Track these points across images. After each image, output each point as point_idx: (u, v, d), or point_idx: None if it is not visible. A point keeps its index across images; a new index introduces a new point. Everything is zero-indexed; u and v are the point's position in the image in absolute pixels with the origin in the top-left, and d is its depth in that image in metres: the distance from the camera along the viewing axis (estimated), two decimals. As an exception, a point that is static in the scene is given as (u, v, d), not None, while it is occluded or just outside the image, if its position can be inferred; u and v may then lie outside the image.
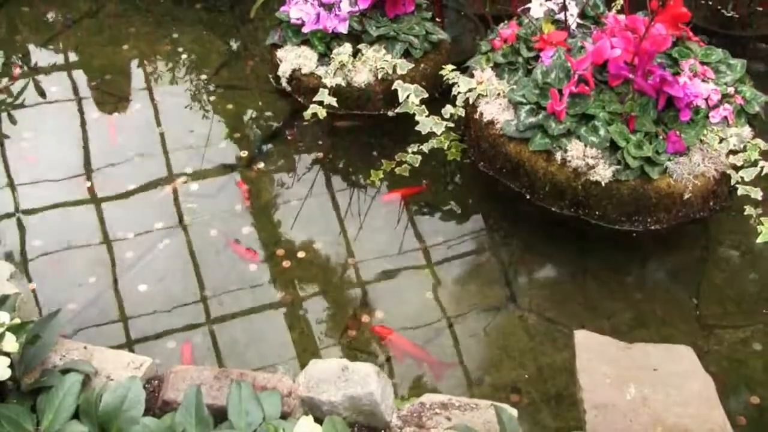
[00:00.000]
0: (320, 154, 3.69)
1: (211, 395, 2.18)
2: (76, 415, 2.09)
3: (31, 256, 3.29)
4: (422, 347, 2.94)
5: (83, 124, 3.93)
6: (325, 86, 3.64)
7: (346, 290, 3.15)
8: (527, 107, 3.23)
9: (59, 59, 4.33)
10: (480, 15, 4.26)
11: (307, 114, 3.59)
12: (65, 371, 2.18)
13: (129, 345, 2.95)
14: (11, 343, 2.06)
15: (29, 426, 2.04)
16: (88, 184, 3.59)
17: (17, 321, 2.11)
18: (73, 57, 4.34)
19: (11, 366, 2.09)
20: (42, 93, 4.11)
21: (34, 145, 3.81)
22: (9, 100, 4.07)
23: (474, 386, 2.81)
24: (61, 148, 3.78)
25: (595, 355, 2.54)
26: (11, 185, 3.61)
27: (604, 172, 3.10)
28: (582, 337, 2.63)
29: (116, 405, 2.08)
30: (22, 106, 4.05)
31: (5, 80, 4.18)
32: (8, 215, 3.48)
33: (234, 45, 4.37)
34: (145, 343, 2.97)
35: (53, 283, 3.17)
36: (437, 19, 3.97)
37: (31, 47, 4.42)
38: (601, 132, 3.12)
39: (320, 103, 3.61)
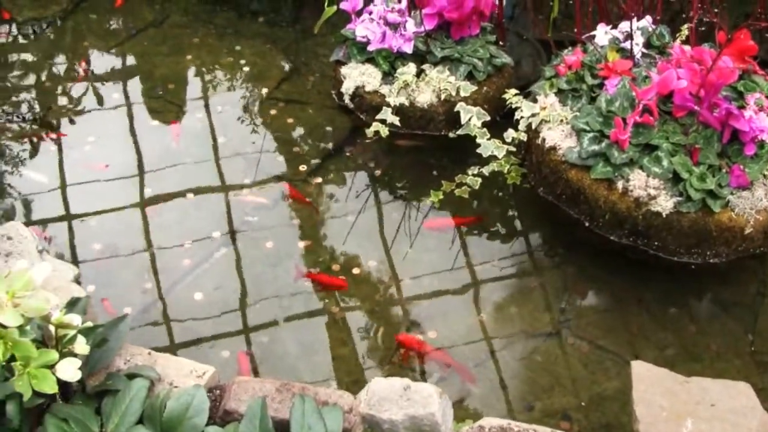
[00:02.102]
0: (378, 172, 3.70)
1: (273, 407, 2.20)
2: (140, 421, 2.11)
3: (90, 259, 3.33)
4: (468, 368, 2.94)
5: (144, 131, 3.98)
6: (388, 105, 3.67)
7: (398, 308, 3.15)
8: (590, 135, 3.23)
9: (123, 67, 4.40)
10: (541, 40, 4.28)
11: (370, 132, 3.62)
12: (130, 376, 2.21)
13: (183, 352, 2.98)
14: (82, 346, 2.09)
15: (94, 428, 2.07)
16: (148, 190, 3.64)
17: (89, 324, 2.14)
18: (136, 65, 4.40)
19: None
20: (105, 99, 4.17)
21: (96, 150, 3.86)
22: (70, 105, 4.14)
23: (524, 412, 2.80)
24: (122, 154, 3.83)
25: (652, 386, 2.53)
26: (73, 188, 3.67)
27: (665, 203, 3.09)
28: (639, 368, 2.61)
29: (180, 412, 2.10)
30: (85, 111, 4.11)
31: (69, 85, 4.26)
32: (69, 217, 3.53)
33: (295, 60, 4.40)
34: (199, 351, 2.98)
35: (111, 287, 3.20)
36: (500, 43, 3.98)
37: (97, 54, 4.49)
38: (664, 163, 3.11)
39: (383, 121, 3.63)
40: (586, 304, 3.19)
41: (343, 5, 3.87)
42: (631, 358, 2.89)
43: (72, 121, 4.04)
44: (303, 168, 3.71)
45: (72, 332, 2.07)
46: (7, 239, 2.95)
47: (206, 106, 4.12)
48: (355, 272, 3.26)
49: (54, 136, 3.94)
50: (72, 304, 2.24)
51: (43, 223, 3.49)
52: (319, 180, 3.66)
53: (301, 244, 3.37)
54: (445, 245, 3.38)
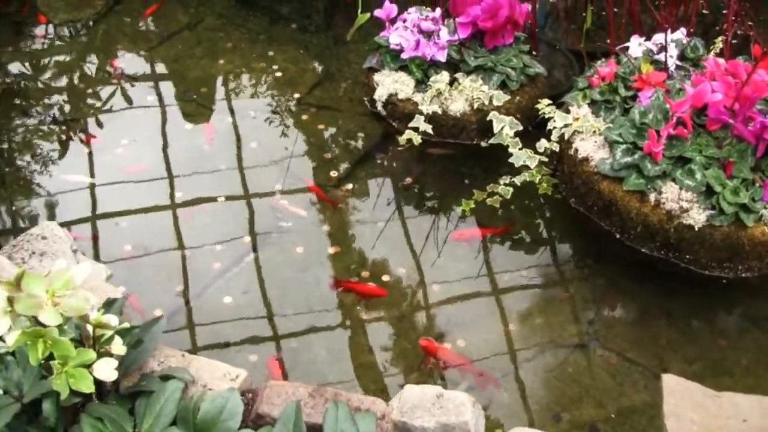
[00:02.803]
0: (409, 180, 3.71)
1: (306, 412, 2.21)
2: (173, 422, 2.13)
3: (122, 260, 3.35)
4: (493, 376, 2.94)
5: (177, 134, 4.01)
6: (421, 113, 3.67)
7: (426, 316, 3.15)
8: (623, 146, 3.22)
9: (157, 69, 4.43)
10: (574, 50, 4.27)
11: (403, 139, 3.63)
12: (164, 377, 2.22)
13: (211, 355, 2.99)
14: (119, 346, 2.10)
15: (128, 428, 2.09)
16: (179, 193, 3.66)
17: (126, 325, 2.15)
18: (170, 68, 4.43)
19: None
20: (138, 101, 4.21)
21: (129, 152, 3.89)
22: (103, 107, 4.18)
23: (552, 423, 2.79)
24: (154, 157, 3.86)
25: (683, 400, 2.52)
26: (105, 189, 3.70)
27: (698, 216, 3.08)
28: (670, 381, 2.61)
29: (214, 415, 2.11)
30: (117, 113, 4.15)
31: (102, 87, 4.29)
32: (100, 217, 3.56)
33: (327, 66, 4.42)
34: (227, 354, 2.99)
35: (141, 288, 3.22)
36: (533, 53, 3.98)
37: (130, 57, 4.53)
38: (698, 176, 3.09)
39: (416, 129, 3.64)
40: (615, 316, 3.17)
41: (377, 13, 3.88)
42: (660, 371, 2.88)
43: (102, 124, 4.08)
44: (334, 174, 3.72)
45: (109, 333, 2.09)
46: (42, 239, 2.98)
47: (238, 110, 4.14)
48: (385, 279, 3.26)
49: (85, 137, 3.97)
50: (109, 305, 2.26)
51: (76, 223, 3.52)
52: (350, 186, 3.67)
53: (331, 250, 3.38)
54: (474, 254, 3.38)
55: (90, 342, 2.08)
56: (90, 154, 3.89)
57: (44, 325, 1.94)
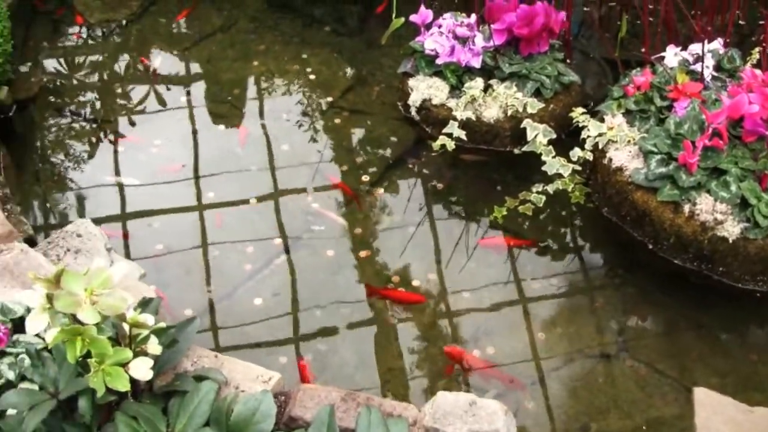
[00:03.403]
0: (441, 185, 3.71)
1: (338, 416, 2.21)
2: (206, 423, 2.13)
3: (153, 259, 3.37)
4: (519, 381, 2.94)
5: (209, 135, 4.03)
6: (455, 119, 3.67)
7: (456, 323, 3.15)
8: (658, 157, 3.21)
9: (190, 70, 4.45)
10: (607, 59, 4.26)
11: (436, 145, 3.63)
12: (198, 378, 2.23)
13: (240, 356, 2.99)
14: (154, 346, 2.11)
15: (162, 427, 2.10)
16: (211, 194, 3.68)
17: (162, 325, 2.17)
18: (203, 69, 4.45)
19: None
20: (171, 102, 4.23)
21: (162, 152, 3.92)
22: (136, 107, 4.21)
23: (579, 432, 2.80)
24: (185, 157, 3.88)
25: (715, 414, 2.50)
26: (138, 189, 3.73)
27: (732, 229, 3.06)
28: (701, 395, 2.59)
29: (247, 417, 2.12)
30: (151, 114, 4.18)
31: (135, 87, 4.33)
32: (134, 215, 3.59)
33: (360, 70, 4.42)
34: (256, 356, 3.00)
35: (172, 288, 3.24)
36: (567, 61, 3.97)
37: (164, 57, 4.56)
38: (733, 188, 3.07)
39: (449, 135, 3.64)
40: (645, 327, 3.16)
41: (412, 18, 3.88)
42: (690, 384, 2.86)
43: (136, 124, 4.11)
44: (366, 178, 3.73)
45: (145, 332, 2.10)
46: (77, 236, 3.00)
47: (271, 112, 4.15)
48: (415, 284, 3.27)
49: (117, 136, 4.00)
50: (144, 304, 2.28)
51: (108, 221, 3.55)
52: (381, 191, 3.67)
53: (362, 254, 3.38)
54: (505, 261, 3.37)
55: (126, 341, 2.09)
56: (123, 153, 3.91)
57: (82, 323, 1.95)
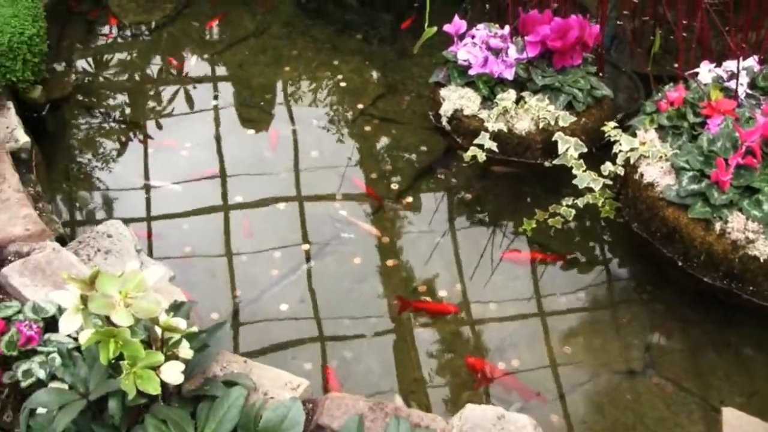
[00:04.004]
0: (470, 196, 3.70)
1: (365, 426, 2.21)
2: (234, 429, 2.14)
3: (181, 262, 3.38)
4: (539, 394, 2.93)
5: (239, 139, 4.04)
6: (486, 130, 3.67)
7: (482, 334, 3.14)
8: (690, 173, 3.19)
9: (221, 74, 4.47)
10: (639, 73, 4.24)
11: (467, 156, 3.63)
12: (227, 383, 2.24)
13: (265, 361, 2.99)
14: (186, 350, 2.12)
15: (190, 431, 2.10)
16: (239, 198, 3.69)
17: (194, 329, 2.17)
18: (235, 73, 4.47)
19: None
20: (202, 105, 4.26)
21: (192, 154, 3.94)
22: (167, 110, 4.23)
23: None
24: (214, 160, 3.90)
25: (743, 435, 2.48)
26: (167, 191, 3.74)
27: (763, 248, 3.03)
28: (729, 415, 2.57)
29: (276, 423, 2.12)
30: (181, 116, 4.21)
31: (167, 89, 4.35)
32: (163, 216, 3.61)
33: (392, 78, 4.42)
34: (281, 361, 3.00)
35: (199, 291, 3.24)
36: (600, 74, 3.96)
37: (196, 60, 4.58)
38: (765, 207, 3.05)
39: (480, 146, 3.64)
40: (672, 344, 3.14)
41: (446, 28, 3.88)
42: (717, 403, 2.84)
43: (167, 126, 4.13)
44: (395, 187, 3.73)
45: (177, 336, 2.11)
46: (107, 237, 3.02)
47: (301, 118, 4.16)
48: (441, 294, 3.26)
49: (147, 138, 4.03)
50: (176, 308, 2.28)
51: (136, 222, 3.57)
52: (410, 199, 3.67)
53: (389, 263, 3.38)
54: (532, 274, 3.36)
55: (158, 344, 2.10)
56: (152, 155, 3.94)
57: (115, 325, 1.96)
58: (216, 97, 4.29)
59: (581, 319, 3.21)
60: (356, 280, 3.33)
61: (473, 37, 3.85)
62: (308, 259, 3.40)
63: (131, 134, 4.07)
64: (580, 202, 3.49)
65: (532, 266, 3.39)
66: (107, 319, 1.99)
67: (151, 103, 4.26)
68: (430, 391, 2.94)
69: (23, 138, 3.48)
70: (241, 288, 3.29)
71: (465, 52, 3.78)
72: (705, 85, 3.51)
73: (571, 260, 3.41)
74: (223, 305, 3.21)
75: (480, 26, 3.90)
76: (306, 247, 3.45)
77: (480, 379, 2.96)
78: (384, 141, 4.01)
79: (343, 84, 4.37)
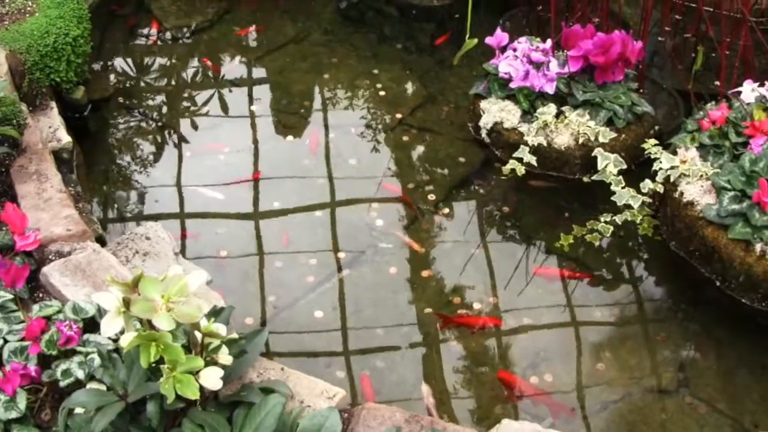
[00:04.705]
0: (507, 209, 3.70)
1: (401, 438, 2.21)
2: (270, 435, 2.15)
3: (217, 266, 3.40)
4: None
5: (277, 145, 4.06)
6: (526, 144, 3.66)
7: (515, 348, 3.13)
8: (731, 193, 3.17)
9: (262, 80, 4.49)
10: (680, 90, 4.21)
11: (506, 169, 3.62)
12: (265, 390, 2.24)
13: (298, 368, 3.00)
14: (226, 356, 2.13)
15: (226, 436, 2.11)
16: (276, 203, 3.70)
17: (234, 336, 2.18)
18: (275, 79, 4.48)
19: (219, 377, 2.15)
20: (241, 110, 4.28)
21: (230, 158, 3.97)
22: (201, 110, 4.27)
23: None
24: (253, 165, 3.92)
25: (779, 459, 2.46)
26: (204, 195, 3.77)
27: (804, 271, 3.01)
28: (765, 439, 2.55)
29: (312, 432, 2.12)
30: (220, 118, 4.24)
31: (204, 93, 4.38)
32: (200, 219, 3.64)
33: (431, 88, 4.42)
34: (315, 368, 3.01)
35: (234, 295, 3.25)
36: (641, 91, 3.94)
37: (236, 65, 4.61)
38: (807, 229, 3.03)
39: (520, 159, 3.63)
40: (706, 365, 3.11)
41: (487, 40, 3.88)
42: (750, 427, 2.83)
43: (206, 130, 4.16)
44: (432, 197, 3.73)
45: (217, 342, 2.12)
46: (146, 239, 3.04)
47: (340, 126, 4.17)
48: (476, 307, 3.25)
49: (182, 140, 4.06)
50: (216, 314, 2.29)
51: (173, 224, 3.59)
52: (446, 210, 3.67)
53: (424, 273, 3.38)
54: (567, 289, 3.35)
55: (197, 349, 2.11)
56: (191, 158, 3.97)
57: (156, 329, 1.97)
58: (255, 102, 4.31)
59: (615, 336, 3.19)
60: (391, 290, 3.33)
61: (515, 50, 3.85)
62: (344, 267, 3.41)
63: (169, 137, 4.10)
64: (618, 218, 3.48)
65: (566, 282, 3.37)
66: (149, 323, 2.00)
67: (190, 107, 4.29)
68: (462, 403, 2.94)
69: (65, 138, 3.52)
70: (276, 294, 3.30)
71: (506, 65, 3.78)
72: (748, 104, 3.48)
73: (607, 277, 3.39)
74: (257, 310, 3.23)
75: (522, 39, 3.89)
76: (342, 255, 3.46)
77: (511, 394, 2.95)
78: (422, 151, 4.01)
79: (382, 93, 4.37)
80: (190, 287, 2.01)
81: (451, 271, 3.41)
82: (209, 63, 4.58)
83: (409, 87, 4.43)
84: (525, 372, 3.03)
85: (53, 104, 3.72)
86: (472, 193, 3.79)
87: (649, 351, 3.14)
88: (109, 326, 2.03)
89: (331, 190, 3.78)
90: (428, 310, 3.23)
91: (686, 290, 3.36)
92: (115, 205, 3.72)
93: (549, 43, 3.84)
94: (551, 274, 3.40)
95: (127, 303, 2.00)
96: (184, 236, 3.52)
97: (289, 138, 4.10)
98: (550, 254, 3.48)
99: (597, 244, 3.47)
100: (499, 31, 3.88)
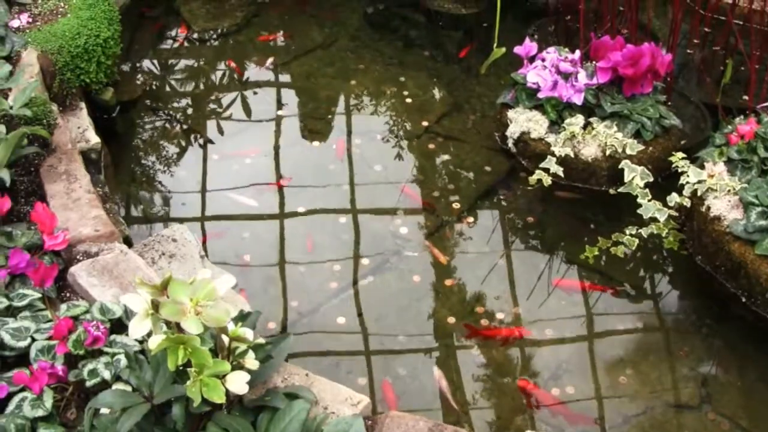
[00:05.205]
0: (532, 219, 3.69)
1: (425, 447, 2.21)
2: (294, 441, 2.15)
3: (240, 270, 3.41)
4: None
5: (304, 150, 4.08)
6: (553, 154, 3.66)
7: (537, 359, 3.12)
8: (759, 209, 3.15)
9: (288, 84, 4.51)
10: (707, 103, 4.19)
11: (533, 179, 3.62)
12: (289, 395, 2.25)
13: (319, 374, 3.01)
14: (252, 361, 2.14)
15: (251, 441, 2.12)
16: (301, 208, 3.71)
17: (261, 341, 2.19)
18: (302, 84, 4.50)
19: (244, 381, 2.16)
20: (267, 114, 4.29)
21: (257, 162, 3.99)
22: (232, 118, 4.29)
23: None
24: (279, 170, 3.93)
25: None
26: (229, 199, 3.78)
27: (831, 289, 2.99)
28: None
29: (336, 439, 2.13)
30: (246, 122, 4.26)
31: (230, 96, 4.40)
32: (224, 222, 3.65)
33: (457, 97, 4.42)
34: (336, 374, 3.01)
35: (257, 300, 3.26)
36: (669, 103, 3.92)
37: (264, 70, 4.62)
38: (835, 247, 3.01)
39: (546, 170, 3.63)
40: (730, 381, 3.09)
41: (516, 50, 3.88)
42: (774, 444, 2.81)
43: (230, 133, 4.18)
44: (456, 206, 3.73)
45: (244, 346, 2.13)
46: (172, 241, 3.06)
47: (365, 132, 4.18)
48: (499, 317, 3.25)
49: (207, 143, 4.08)
50: (243, 318, 2.30)
51: (197, 226, 3.61)
52: (471, 219, 3.67)
53: (447, 282, 3.38)
54: (591, 301, 3.34)
55: (224, 353, 2.12)
56: (217, 161, 3.99)
57: (184, 332, 1.98)
58: (282, 107, 4.33)
59: (638, 349, 3.18)
60: (415, 299, 3.33)
61: (543, 60, 3.84)
62: (368, 274, 3.42)
63: (195, 140, 4.12)
64: (644, 231, 3.46)
65: (589, 294, 3.36)
66: (176, 326, 2.01)
67: (216, 110, 4.31)
68: (482, 413, 2.93)
69: (94, 138, 3.54)
70: (299, 299, 3.31)
71: (534, 75, 3.77)
72: (777, 119, 3.47)
73: (631, 290, 3.38)
74: (281, 315, 3.24)
75: (550, 49, 3.89)
76: (366, 261, 3.46)
77: (532, 404, 2.95)
78: (447, 159, 4.00)
79: (408, 100, 4.37)
80: (219, 291, 2.02)
81: (475, 281, 3.41)
82: (234, 65, 4.60)
83: (436, 95, 4.43)
84: (547, 383, 3.03)
85: (83, 105, 3.75)
86: (497, 202, 3.79)
87: (672, 365, 3.12)
88: (137, 328, 2.05)
89: (355, 195, 3.79)
90: (451, 319, 3.23)
91: (711, 305, 3.35)
92: (141, 207, 3.74)
93: (577, 53, 3.83)
94: (573, 286, 3.39)
95: (155, 305, 2.01)
96: (205, 240, 3.54)
97: (315, 143, 4.11)
98: (574, 265, 3.47)
99: (622, 256, 3.46)
100: (528, 40, 3.88)
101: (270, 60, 4.64)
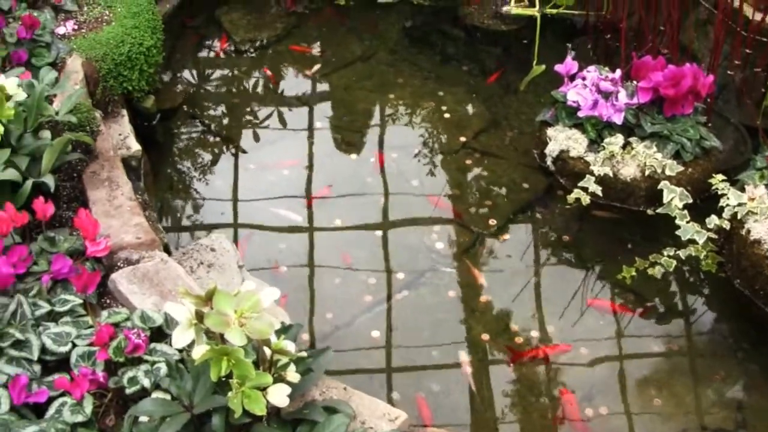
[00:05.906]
0: (568, 238, 3.68)
1: (462, 465, 2.21)
2: (332, 455, 2.16)
3: (276, 280, 3.43)
4: None
5: (341, 162, 4.10)
6: (592, 173, 3.64)
7: (571, 378, 3.11)
8: (799, 234, 3.13)
9: (327, 96, 4.53)
10: (747, 125, 4.17)
11: (571, 198, 3.61)
12: (328, 409, 2.25)
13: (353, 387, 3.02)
14: (293, 374, 2.15)
15: (289, 454, 2.13)
16: (338, 221, 3.73)
17: (303, 354, 2.20)
18: (340, 97, 4.52)
19: (284, 394, 2.17)
20: (305, 125, 4.31)
21: (294, 173, 4.01)
22: (264, 124, 4.33)
23: None
24: (315, 182, 3.95)
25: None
26: (266, 210, 3.81)
27: None
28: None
29: (374, 454, 2.13)
30: (282, 131, 4.29)
31: (268, 109, 4.43)
32: (260, 233, 3.68)
33: (495, 113, 4.42)
34: (369, 388, 3.00)
35: (292, 311, 3.26)
36: (709, 125, 3.91)
37: (303, 81, 4.65)
38: None
39: (585, 189, 3.62)
40: (766, 406, 3.06)
41: (557, 68, 3.88)
42: (812, 471, 2.78)
43: (267, 142, 4.21)
44: (492, 222, 3.72)
45: (285, 359, 2.14)
46: (211, 250, 3.08)
47: (403, 146, 4.18)
48: (534, 335, 3.24)
49: (240, 151, 4.11)
50: (284, 331, 2.31)
51: (234, 237, 3.63)
52: (507, 236, 3.66)
53: (482, 299, 3.38)
54: (625, 322, 3.33)
55: (266, 365, 2.13)
56: (253, 171, 4.02)
57: (228, 343, 2.00)
58: (320, 119, 4.35)
59: (673, 371, 3.16)
60: (450, 314, 3.34)
61: (584, 78, 3.83)
62: (402, 288, 3.42)
63: (233, 149, 4.14)
64: (682, 253, 3.44)
65: (623, 315, 3.35)
66: (220, 337, 2.03)
67: (254, 121, 4.34)
68: (515, 429, 2.93)
69: (135, 146, 3.57)
70: (334, 311, 3.32)
71: (575, 93, 3.77)
72: (819, 144, 3.45)
73: (667, 311, 3.36)
74: (315, 327, 3.25)
75: (591, 68, 3.88)
76: (401, 275, 3.47)
77: (566, 419, 2.95)
78: (484, 175, 4.00)
79: (446, 115, 4.38)
80: (263, 304, 2.03)
81: (509, 298, 3.40)
82: (271, 75, 4.63)
83: (474, 110, 4.43)
84: (580, 402, 3.02)
85: (124, 112, 3.79)
86: (534, 220, 3.78)
87: (707, 389, 3.10)
88: (180, 338, 2.06)
89: (391, 209, 3.80)
90: (485, 335, 3.23)
91: (749, 329, 3.32)
92: (178, 215, 3.77)
93: (618, 72, 3.82)
94: (606, 306, 3.38)
95: (199, 316, 2.03)
96: (245, 250, 3.56)
97: (353, 156, 4.12)
98: (610, 285, 3.45)
99: (659, 277, 3.44)
100: (569, 59, 3.87)
101: (316, 67, 4.67)
